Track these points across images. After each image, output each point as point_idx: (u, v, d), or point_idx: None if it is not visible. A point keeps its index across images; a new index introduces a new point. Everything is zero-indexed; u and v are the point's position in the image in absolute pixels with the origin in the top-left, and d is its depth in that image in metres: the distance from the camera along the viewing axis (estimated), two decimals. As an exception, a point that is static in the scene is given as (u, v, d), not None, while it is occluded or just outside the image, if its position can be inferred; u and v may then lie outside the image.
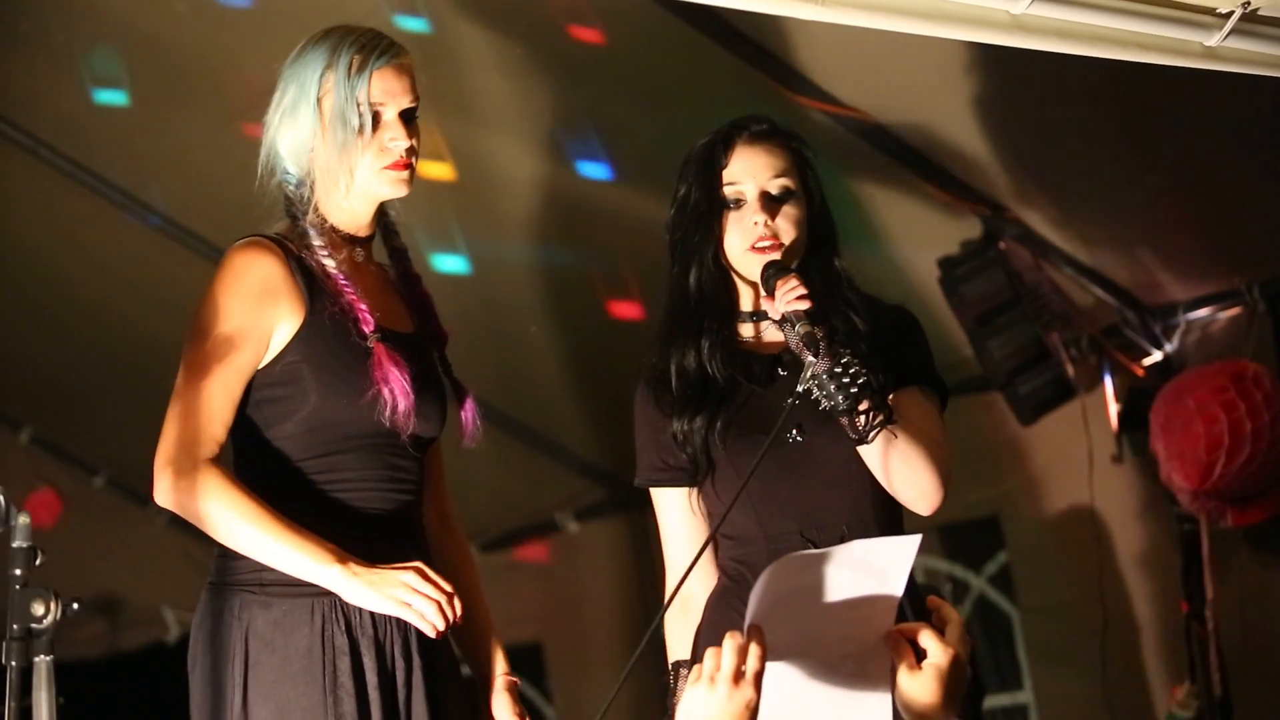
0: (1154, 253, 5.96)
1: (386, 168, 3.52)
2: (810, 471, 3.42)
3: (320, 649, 3.41)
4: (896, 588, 2.60)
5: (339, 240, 3.56)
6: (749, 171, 3.58)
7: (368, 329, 3.48)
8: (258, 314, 3.46)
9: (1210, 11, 3.39)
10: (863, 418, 3.37)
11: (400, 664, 3.49)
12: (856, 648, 2.62)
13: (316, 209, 3.54)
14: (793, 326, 3.38)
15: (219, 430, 3.46)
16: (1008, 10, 3.30)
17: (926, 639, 2.58)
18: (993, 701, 6.79)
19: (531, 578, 7.95)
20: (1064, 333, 6.20)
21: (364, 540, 3.48)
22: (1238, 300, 5.90)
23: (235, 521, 3.39)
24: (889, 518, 3.54)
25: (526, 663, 7.96)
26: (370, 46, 3.52)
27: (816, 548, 3.42)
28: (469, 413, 3.73)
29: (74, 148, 6.37)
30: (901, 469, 3.44)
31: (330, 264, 3.51)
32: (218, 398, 3.45)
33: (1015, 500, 6.73)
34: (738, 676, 2.48)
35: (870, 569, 2.58)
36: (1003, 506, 6.78)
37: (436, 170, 5.77)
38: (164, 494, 3.45)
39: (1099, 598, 6.22)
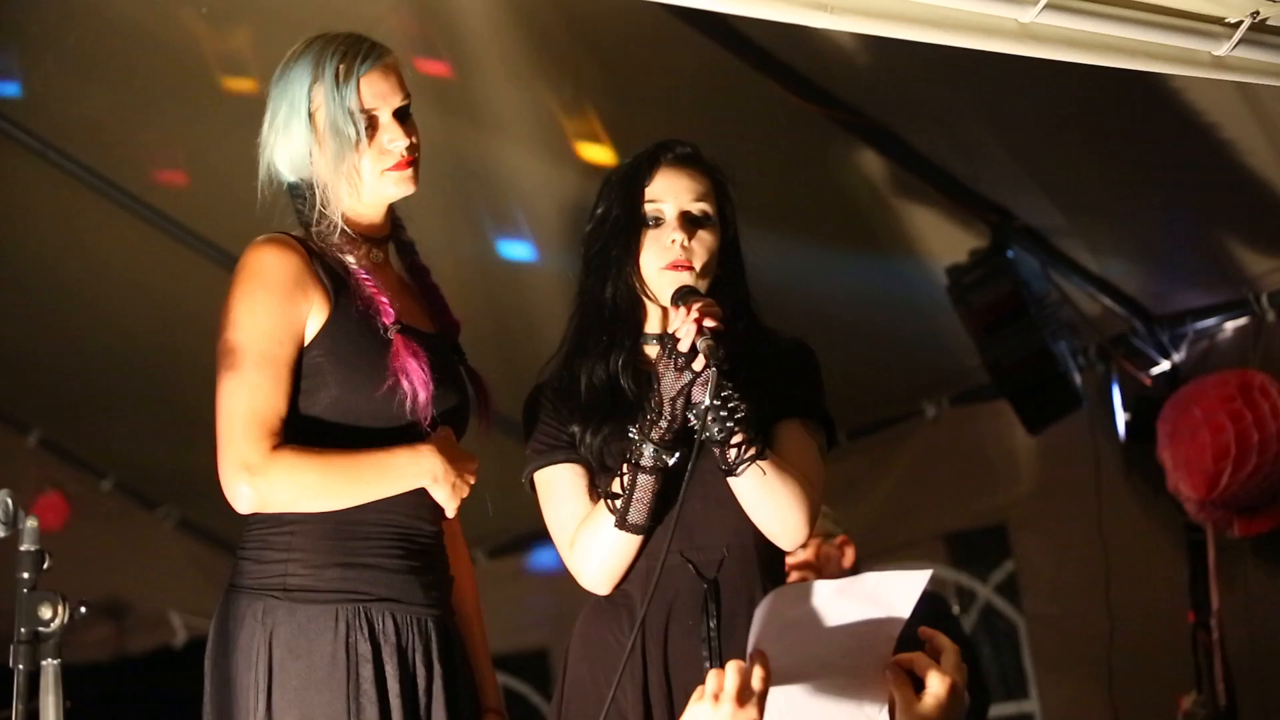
0: (1162, 262, 5.96)
1: (389, 169, 3.51)
2: (694, 493, 3.39)
3: (344, 656, 3.40)
4: (900, 618, 2.62)
5: (355, 240, 3.56)
6: (671, 191, 3.61)
7: (387, 320, 3.47)
8: (291, 307, 3.44)
9: (1219, 21, 3.40)
10: (734, 451, 3.41)
11: (421, 670, 3.49)
12: (856, 676, 2.65)
13: (325, 214, 3.53)
14: (677, 341, 3.37)
15: (279, 426, 3.40)
16: (1016, 19, 3.31)
17: (924, 669, 2.61)
18: (998, 710, 6.79)
19: (539, 584, 7.94)
20: (1072, 342, 6.20)
21: (390, 547, 3.49)
22: (1245, 310, 5.90)
23: (328, 482, 3.38)
24: (768, 542, 3.54)
25: (533, 669, 7.98)
26: (353, 53, 3.51)
27: (696, 568, 3.45)
28: (487, 401, 3.74)
29: (83, 151, 6.38)
30: (767, 504, 3.46)
31: (350, 259, 3.51)
32: (272, 397, 3.40)
33: (1022, 509, 6.73)
34: (742, 697, 2.50)
35: (878, 600, 2.61)
36: (1010, 515, 6.79)
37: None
38: (246, 500, 3.38)
39: (1105, 606, 6.22)
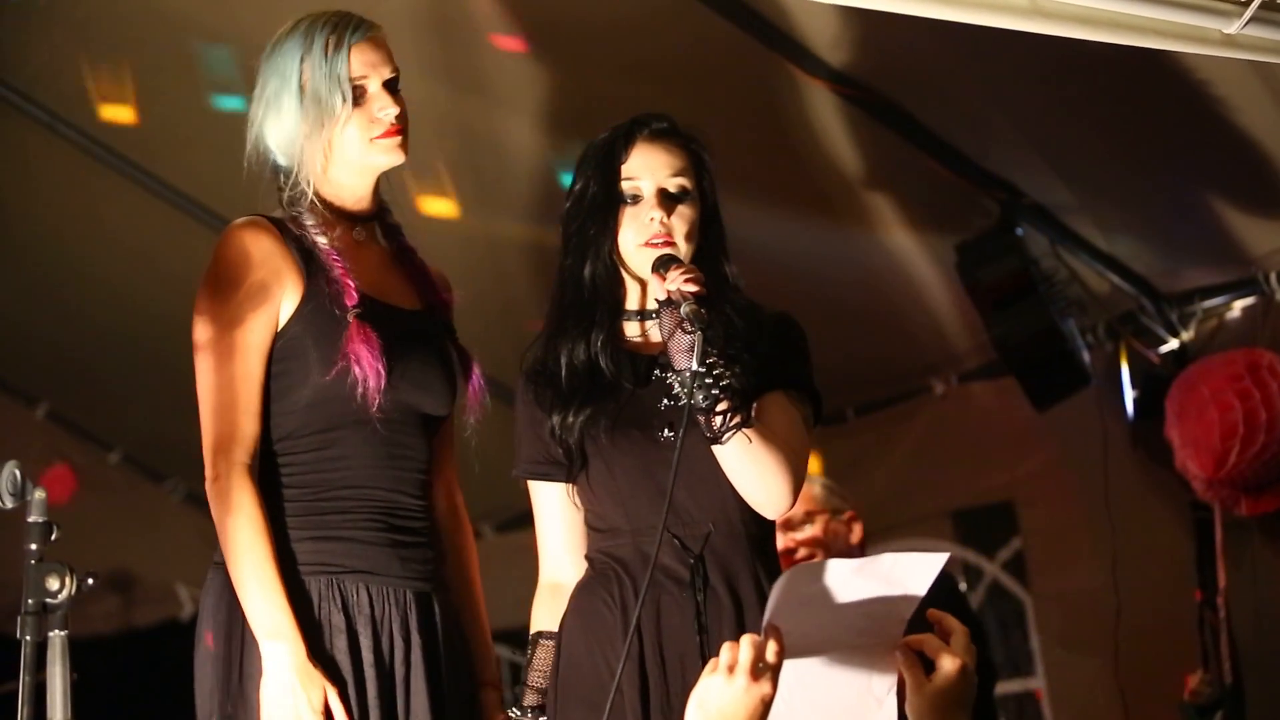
0: (1170, 240, 5.95)
1: (379, 137, 3.55)
2: (679, 468, 3.36)
3: (317, 627, 3.43)
4: (914, 598, 2.63)
5: (334, 219, 3.60)
6: (648, 168, 3.59)
7: (349, 303, 3.49)
8: (263, 290, 3.48)
9: (1230, -2, 3.40)
10: (719, 418, 3.39)
11: (399, 642, 3.51)
12: (867, 655, 2.67)
13: (312, 194, 3.57)
14: (677, 307, 3.37)
15: (251, 423, 3.46)
16: (1027, -5, 3.31)
17: (934, 651, 2.63)
18: (1005, 688, 6.80)
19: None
20: (1080, 319, 6.20)
21: (367, 520, 3.52)
22: (1254, 289, 5.89)
23: (238, 550, 3.39)
24: (755, 518, 3.53)
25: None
26: (343, 25, 3.56)
27: (681, 543, 3.46)
28: (475, 384, 3.74)
29: (91, 123, 6.38)
30: (752, 472, 3.44)
31: (322, 240, 3.54)
32: (243, 387, 3.46)
33: (1029, 486, 6.73)
34: (756, 670, 2.51)
35: (892, 582, 2.62)
36: (1017, 492, 6.79)
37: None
38: (207, 488, 3.47)
39: (1112, 585, 6.22)
